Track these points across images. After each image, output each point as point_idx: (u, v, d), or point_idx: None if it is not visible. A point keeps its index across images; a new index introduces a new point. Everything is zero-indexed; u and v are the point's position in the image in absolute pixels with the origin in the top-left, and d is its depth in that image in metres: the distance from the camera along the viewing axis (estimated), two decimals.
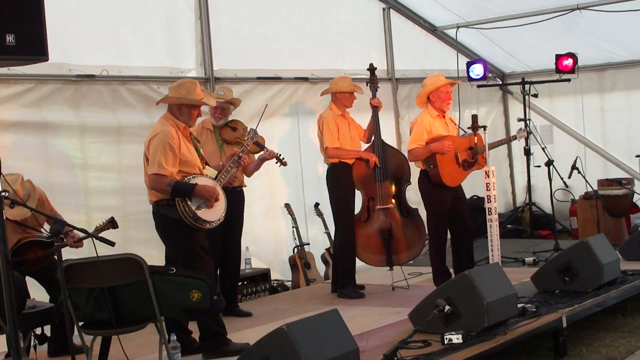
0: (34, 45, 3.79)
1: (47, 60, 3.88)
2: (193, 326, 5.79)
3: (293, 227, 8.59)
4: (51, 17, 3.97)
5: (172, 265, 5.18)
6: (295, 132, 9.06)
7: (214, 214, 5.64)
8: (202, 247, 5.67)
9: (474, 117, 7.72)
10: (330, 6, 9.58)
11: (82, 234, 5.42)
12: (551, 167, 9.20)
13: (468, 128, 7.74)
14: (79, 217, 6.20)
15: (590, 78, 11.23)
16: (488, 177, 7.55)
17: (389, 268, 7.77)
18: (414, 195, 8.15)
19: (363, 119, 7.92)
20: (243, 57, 8.51)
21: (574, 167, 9.08)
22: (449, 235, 7.75)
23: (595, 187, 9.54)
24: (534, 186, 11.03)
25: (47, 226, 5.80)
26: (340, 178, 7.62)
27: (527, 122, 9.95)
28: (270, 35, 8.82)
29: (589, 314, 6.38)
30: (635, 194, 9.93)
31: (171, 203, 5.49)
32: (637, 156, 10.46)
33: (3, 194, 3.81)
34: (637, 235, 8.26)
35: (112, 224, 6.09)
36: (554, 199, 9.63)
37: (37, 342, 5.41)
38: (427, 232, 7.79)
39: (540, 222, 11.12)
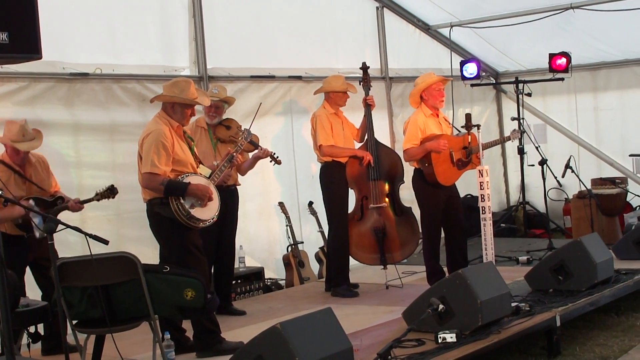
0: (27, 43, 3.79)
1: (40, 58, 3.88)
2: (187, 325, 5.78)
3: (287, 225, 8.58)
4: (44, 15, 3.96)
5: (166, 264, 5.17)
6: (288, 131, 9.05)
7: (208, 212, 5.63)
8: (196, 246, 5.66)
9: (468, 116, 7.72)
10: (324, 5, 9.58)
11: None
12: (545, 166, 9.21)
13: (462, 127, 7.76)
14: (72, 215, 6.18)
15: (583, 77, 11.25)
16: (482, 176, 7.55)
17: (382, 267, 7.76)
18: (407, 194, 8.17)
19: (356, 118, 7.92)
20: (237, 56, 8.50)
21: (567, 166, 9.06)
22: (442, 234, 7.76)
23: (589, 186, 9.53)
24: (527, 185, 11.03)
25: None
26: (333, 177, 7.61)
27: (521, 121, 9.94)
28: (264, 34, 8.81)
29: (582, 313, 6.38)
30: (628, 193, 9.96)
31: (165, 202, 5.49)
32: (630, 155, 10.49)
33: None
34: (631, 234, 8.26)
35: (111, 191, 6.10)
36: (547, 198, 9.66)
37: (30, 340, 5.39)
38: (420, 230, 7.80)
39: (534, 221, 11.10)
